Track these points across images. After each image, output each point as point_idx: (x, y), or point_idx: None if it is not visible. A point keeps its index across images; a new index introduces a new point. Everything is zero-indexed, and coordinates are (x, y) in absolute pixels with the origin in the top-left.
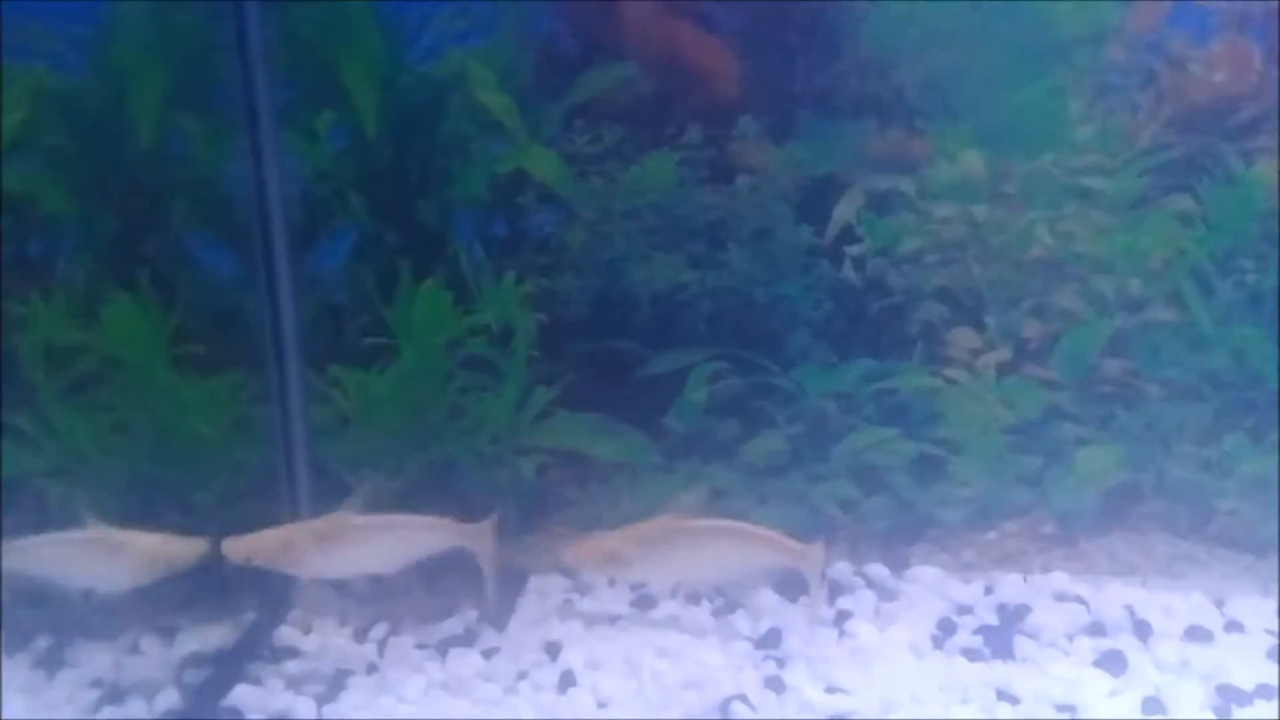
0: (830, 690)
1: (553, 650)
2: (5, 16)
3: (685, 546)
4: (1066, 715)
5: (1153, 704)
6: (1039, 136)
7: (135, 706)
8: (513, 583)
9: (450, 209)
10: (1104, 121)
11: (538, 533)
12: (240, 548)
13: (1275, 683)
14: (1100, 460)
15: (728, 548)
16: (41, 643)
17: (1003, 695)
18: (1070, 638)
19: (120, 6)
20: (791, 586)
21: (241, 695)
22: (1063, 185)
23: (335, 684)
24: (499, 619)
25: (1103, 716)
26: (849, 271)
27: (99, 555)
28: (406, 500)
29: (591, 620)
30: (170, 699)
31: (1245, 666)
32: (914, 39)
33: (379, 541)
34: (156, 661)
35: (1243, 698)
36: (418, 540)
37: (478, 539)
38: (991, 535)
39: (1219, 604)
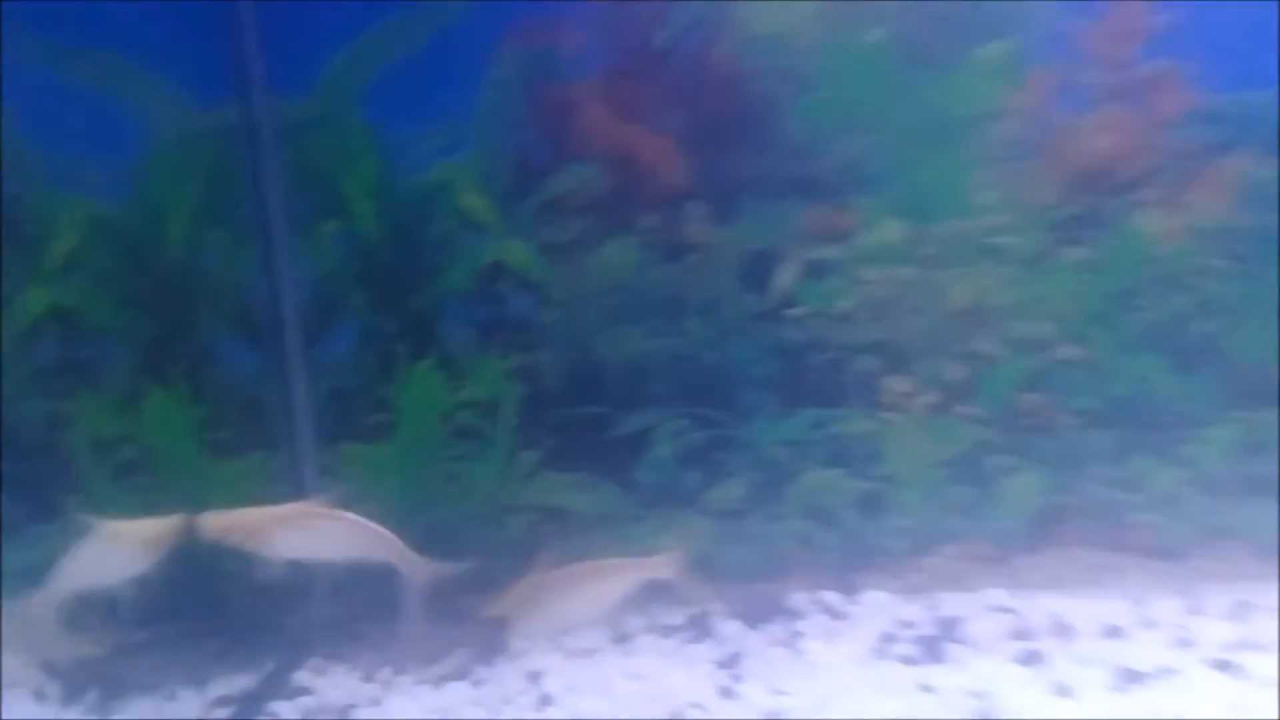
0: (774, 693)
1: (535, 678)
2: (59, 156)
3: (558, 594)
4: (977, 701)
5: (1058, 687)
6: (950, 204)
7: None
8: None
9: (440, 299)
10: (1006, 187)
11: None
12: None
13: (1174, 665)
14: (1026, 486)
15: (594, 584)
16: (93, 695)
17: (924, 688)
18: (997, 642)
19: (153, 141)
20: (754, 613)
21: None
22: (975, 245)
23: (343, 714)
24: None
25: (1012, 700)
26: (791, 332)
27: (103, 550)
28: None
29: (572, 653)
30: None
31: (1150, 655)
32: (833, 126)
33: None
34: (190, 705)
35: (1141, 678)
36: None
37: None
38: (933, 559)
39: (1137, 607)
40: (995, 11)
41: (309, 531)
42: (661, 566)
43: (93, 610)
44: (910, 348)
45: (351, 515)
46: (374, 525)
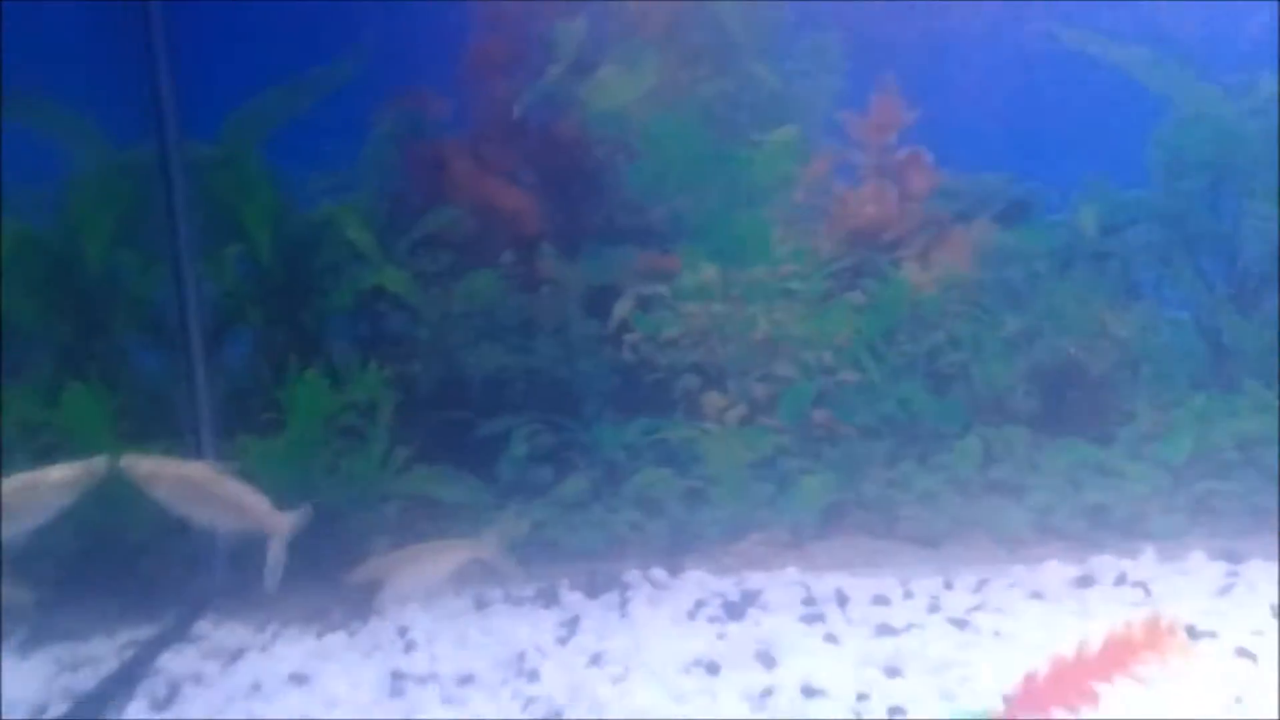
0: (600, 640)
1: (403, 631)
2: None
3: (402, 567)
4: (761, 646)
5: (829, 636)
6: (753, 253)
7: (85, 672)
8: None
9: (327, 316)
10: (796, 242)
11: None
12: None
13: (922, 623)
14: (817, 485)
15: (430, 559)
16: (15, 639)
17: (720, 636)
18: (788, 606)
19: (78, 172)
20: (594, 586)
21: (164, 660)
22: (773, 287)
23: (235, 655)
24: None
25: (790, 645)
26: (627, 353)
27: (25, 496)
28: (295, 540)
29: (437, 615)
30: (111, 665)
31: (905, 616)
32: (660, 187)
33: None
34: (103, 648)
35: (894, 632)
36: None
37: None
38: (743, 545)
39: (903, 583)
40: (785, 101)
41: (200, 492)
42: (483, 547)
43: (13, 564)
44: (723, 369)
45: (233, 480)
46: (246, 489)
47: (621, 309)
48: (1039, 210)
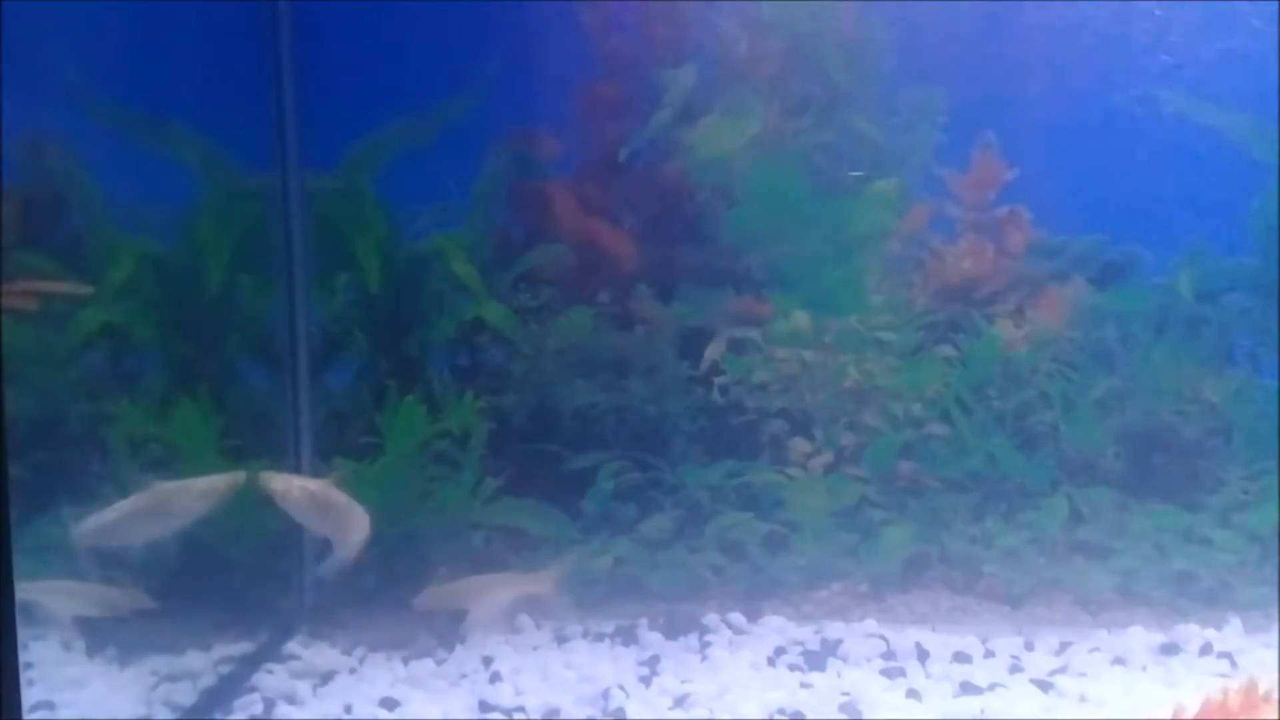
0: (683, 683)
1: (487, 662)
2: (120, 202)
3: (463, 596)
4: (845, 698)
5: (912, 692)
6: (846, 302)
7: (184, 685)
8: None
9: (428, 345)
10: (890, 293)
11: None
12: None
13: (1005, 683)
14: (899, 537)
15: (490, 590)
16: (112, 649)
17: (804, 686)
18: (869, 659)
19: (200, 194)
20: (672, 627)
21: (259, 679)
22: (864, 337)
23: (326, 678)
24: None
25: (874, 699)
26: (716, 396)
27: (167, 503)
28: (383, 564)
29: (519, 646)
30: (208, 680)
31: (987, 675)
32: (757, 233)
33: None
34: (199, 662)
35: (978, 690)
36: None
37: None
38: (823, 593)
39: (983, 640)
40: (885, 154)
41: (320, 504)
42: (542, 582)
43: (119, 571)
44: (811, 416)
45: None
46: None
47: (713, 352)
48: (1135, 273)
